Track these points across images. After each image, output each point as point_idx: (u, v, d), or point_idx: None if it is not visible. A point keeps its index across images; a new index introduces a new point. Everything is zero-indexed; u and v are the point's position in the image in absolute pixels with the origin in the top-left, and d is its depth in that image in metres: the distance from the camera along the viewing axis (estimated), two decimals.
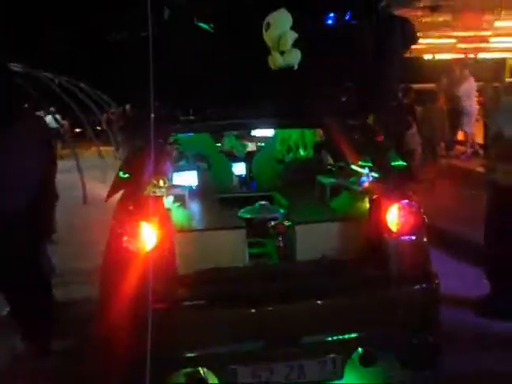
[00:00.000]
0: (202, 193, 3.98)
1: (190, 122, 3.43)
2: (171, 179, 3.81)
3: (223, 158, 4.66)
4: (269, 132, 5.03)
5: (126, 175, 2.94)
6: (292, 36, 2.99)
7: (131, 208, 2.72)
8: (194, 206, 3.65)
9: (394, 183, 2.97)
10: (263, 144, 5.26)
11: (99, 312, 2.72)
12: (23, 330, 3.65)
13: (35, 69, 11.20)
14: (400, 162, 3.18)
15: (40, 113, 13.76)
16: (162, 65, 2.82)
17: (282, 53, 2.97)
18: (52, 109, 17.54)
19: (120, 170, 2.97)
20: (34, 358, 3.55)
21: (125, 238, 2.64)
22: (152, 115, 2.32)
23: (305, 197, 3.85)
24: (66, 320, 3.85)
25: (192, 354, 2.63)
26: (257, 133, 5.44)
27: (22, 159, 3.24)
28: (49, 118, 15.72)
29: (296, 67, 3.05)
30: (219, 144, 5.48)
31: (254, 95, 3.24)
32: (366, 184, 3.21)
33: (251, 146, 5.69)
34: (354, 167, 3.70)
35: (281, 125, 3.91)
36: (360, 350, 2.75)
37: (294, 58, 3.00)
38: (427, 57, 12.46)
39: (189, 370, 2.63)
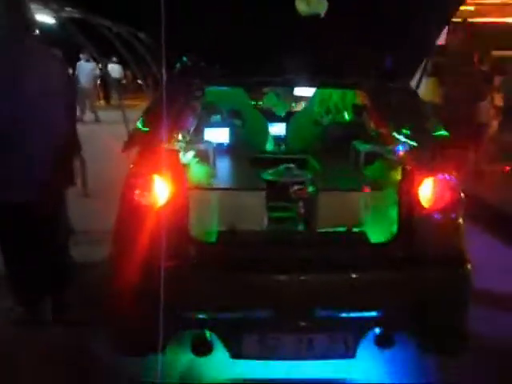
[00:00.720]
0: (231, 151, 3.82)
1: (219, 76, 3.23)
2: (199, 134, 3.67)
3: (259, 115, 4.47)
4: (310, 92, 4.77)
5: (144, 128, 2.82)
6: None
7: (144, 161, 2.62)
8: (219, 164, 3.51)
9: (431, 154, 2.71)
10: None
11: (109, 267, 2.66)
12: (22, 295, 3.37)
13: (93, 14, 11.11)
14: (442, 132, 2.88)
15: (91, 62, 14.01)
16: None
17: None
18: (114, 59, 17.78)
19: (138, 122, 2.85)
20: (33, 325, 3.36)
21: (136, 192, 2.56)
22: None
23: (338, 163, 3.64)
24: (82, 283, 3.66)
25: (199, 316, 2.56)
26: (299, 92, 5.20)
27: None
28: (112, 67, 16.06)
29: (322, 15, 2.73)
30: (260, 102, 5.28)
31: (285, 49, 3.00)
32: (401, 153, 2.94)
33: (294, 106, 5.48)
34: (394, 134, 3.43)
35: (313, 83, 3.65)
36: (377, 330, 2.59)
37: (321, 4, 2.69)
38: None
39: (196, 331, 2.57)
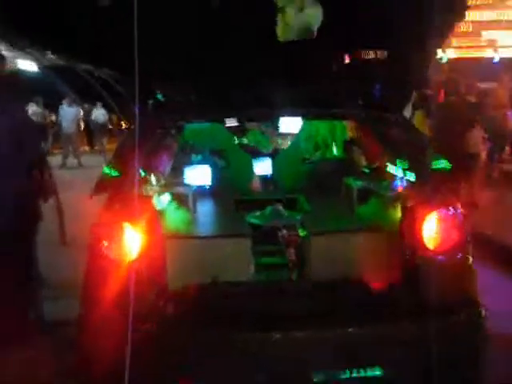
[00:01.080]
0: (214, 193, 3.53)
1: (196, 110, 2.97)
2: (178, 176, 3.39)
3: (243, 154, 4.20)
4: (296, 128, 4.54)
5: (113, 172, 2.53)
6: None
7: (112, 208, 2.35)
8: (201, 208, 3.21)
9: (433, 189, 2.44)
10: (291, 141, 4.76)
11: (78, 328, 2.38)
12: None
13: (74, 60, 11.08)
14: (443, 164, 2.62)
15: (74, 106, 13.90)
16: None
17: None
18: (99, 104, 17.70)
19: (106, 165, 2.57)
20: None
21: (104, 243, 2.27)
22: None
23: (330, 202, 3.39)
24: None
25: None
26: (285, 129, 4.97)
27: None
28: (98, 113, 15.93)
29: (315, 32, 2.47)
30: (244, 139, 5.03)
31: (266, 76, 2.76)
32: (399, 189, 2.68)
33: (280, 144, 5.24)
34: (388, 168, 3.18)
35: (301, 114, 3.40)
36: None
37: (315, 16, 2.43)
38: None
39: None
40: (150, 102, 2.84)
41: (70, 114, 13.68)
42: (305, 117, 3.71)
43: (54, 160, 13.63)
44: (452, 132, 5.79)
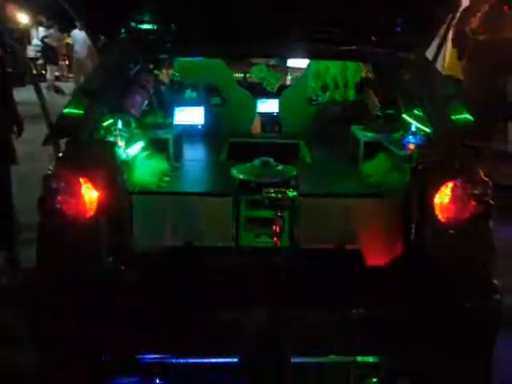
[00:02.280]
0: (202, 137, 3.22)
1: (176, 44, 2.55)
2: (158, 118, 3.05)
3: (242, 92, 3.86)
4: (306, 61, 4.16)
5: (76, 111, 2.18)
6: None
7: (70, 158, 2.07)
8: (185, 156, 2.88)
9: (452, 148, 2.12)
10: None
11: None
12: None
13: None
14: (466, 116, 2.21)
15: None
16: None
17: None
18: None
19: (67, 105, 2.22)
20: None
21: (59, 198, 2.02)
22: None
23: (334, 154, 3.11)
24: None
25: (144, 359, 2.07)
26: (294, 62, 4.60)
27: None
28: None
29: None
30: (248, 74, 4.66)
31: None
32: (411, 145, 2.30)
33: (290, 79, 4.89)
34: (404, 119, 2.79)
35: (304, 53, 2.97)
36: (375, 379, 2.12)
37: None
38: None
39: (143, 378, 2.10)
40: (122, 30, 2.41)
41: (82, 37, 13.35)
42: (309, 57, 3.35)
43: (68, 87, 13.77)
44: (491, 77, 5.13)
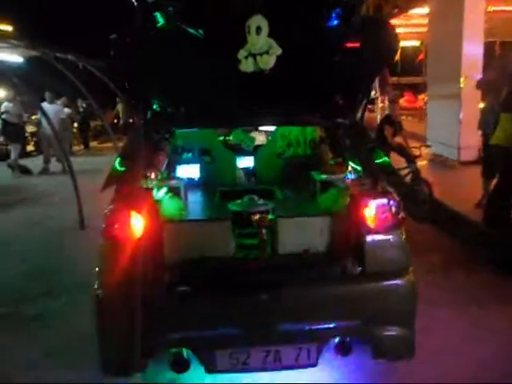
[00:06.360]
0: (201, 185, 4.15)
1: (185, 120, 3.64)
2: (172, 172, 4.03)
3: (227, 151, 4.78)
4: (273, 127, 5.13)
5: (121, 168, 3.13)
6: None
7: (122, 199, 2.89)
8: (191, 198, 3.85)
9: (374, 180, 3.06)
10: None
11: (98, 290, 2.83)
12: None
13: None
14: (383, 159, 3.26)
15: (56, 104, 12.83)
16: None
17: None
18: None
19: (115, 163, 3.17)
20: None
21: (116, 226, 2.80)
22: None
23: (299, 192, 4.03)
24: None
25: (176, 336, 2.77)
26: (264, 127, 5.49)
27: None
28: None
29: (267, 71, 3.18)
30: (229, 137, 5.56)
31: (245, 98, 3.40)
32: (349, 181, 3.32)
33: (262, 140, 5.72)
34: (347, 164, 3.81)
35: (275, 123, 4.08)
36: (337, 339, 2.89)
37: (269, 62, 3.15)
38: None
39: (174, 349, 2.81)
40: (149, 111, 3.49)
41: (50, 112, 10.68)
42: (279, 124, 4.40)
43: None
44: None
